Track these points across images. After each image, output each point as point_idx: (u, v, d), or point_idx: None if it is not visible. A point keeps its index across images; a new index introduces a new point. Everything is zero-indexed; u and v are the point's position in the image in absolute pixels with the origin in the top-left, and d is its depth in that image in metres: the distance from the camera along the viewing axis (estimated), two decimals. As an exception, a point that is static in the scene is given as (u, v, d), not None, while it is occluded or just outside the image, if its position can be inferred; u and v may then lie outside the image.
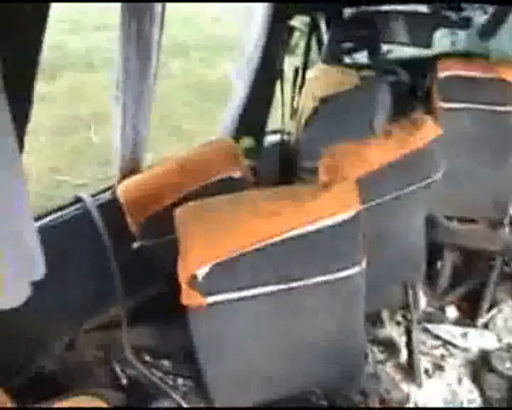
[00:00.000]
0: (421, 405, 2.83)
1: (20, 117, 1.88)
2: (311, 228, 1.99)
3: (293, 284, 2.03)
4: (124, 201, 2.58)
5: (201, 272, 1.94)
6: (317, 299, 2.10)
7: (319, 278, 2.05)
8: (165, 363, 2.57)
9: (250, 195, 2.21)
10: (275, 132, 3.66)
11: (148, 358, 2.59)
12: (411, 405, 2.83)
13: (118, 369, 2.58)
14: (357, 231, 2.08)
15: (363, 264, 2.10)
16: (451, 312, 3.45)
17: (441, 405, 2.85)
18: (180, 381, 2.52)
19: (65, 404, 1.93)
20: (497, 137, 3.49)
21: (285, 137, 3.59)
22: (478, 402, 2.91)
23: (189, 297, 1.96)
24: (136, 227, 2.56)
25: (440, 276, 3.51)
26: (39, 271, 2.12)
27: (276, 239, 1.97)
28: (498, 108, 3.45)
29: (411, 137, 2.54)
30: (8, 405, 2.03)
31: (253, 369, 2.21)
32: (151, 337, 2.70)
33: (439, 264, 3.53)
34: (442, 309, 3.46)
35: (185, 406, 2.36)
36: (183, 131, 6.27)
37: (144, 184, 2.61)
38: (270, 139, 3.63)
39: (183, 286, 1.97)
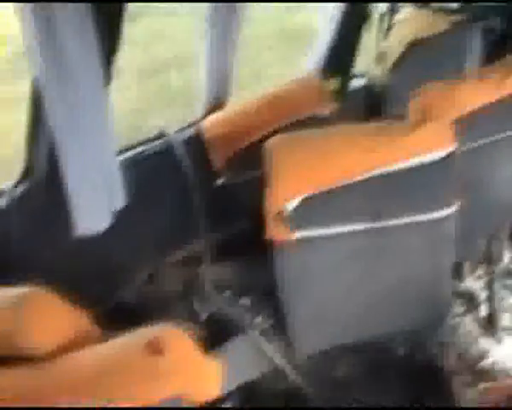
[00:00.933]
0: (499, 362, 2.76)
1: (109, 50, 1.89)
2: (404, 165, 1.93)
3: (384, 223, 1.98)
4: (209, 136, 2.56)
5: (290, 205, 1.91)
6: (407, 240, 2.04)
7: (410, 218, 1.99)
8: (245, 300, 2.58)
9: (343, 129, 2.15)
10: (360, 76, 3.57)
11: (228, 294, 2.60)
12: (489, 361, 2.76)
13: (197, 304, 2.60)
14: (451, 172, 2.00)
15: (456, 207, 2.03)
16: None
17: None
18: (259, 319, 2.52)
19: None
20: None
21: (371, 80, 3.50)
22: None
23: (276, 232, 1.94)
24: (221, 163, 2.55)
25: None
26: (119, 201, 2.15)
27: (369, 175, 1.92)
28: None
29: (507, 80, 2.42)
30: (92, 330, 2.08)
31: (336, 310, 2.18)
32: (232, 274, 2.70)
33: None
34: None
35: (263, 342, 2.36)
36: (265, 75, 6.18)
37: (230, 119, 2.59)
38: (356, 83, 3.54)
39: (270, 219, 1.95)
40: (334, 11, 3.26)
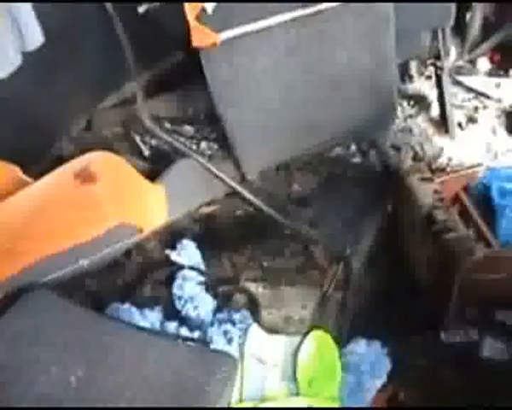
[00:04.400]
0: (454, 158, 2.74)
1: None
2: None
3: (315, 8, 1.83)
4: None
5: (210, 5, 1.75)
6: (342, 24, 1.91)
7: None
8: (188, 128, 2.47)
9: None
10: None
11: (169, 126, 2.49)
12: (444, 158, 2.74)
13: (139, 140, 2.49)
14: None
15: None
16: (483, 63, 3.28)
17: (475, 156, 2.76)
18: (204, 144, 2.43)
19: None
20: None
21: None
22: (513, 151, 2.82)
23: (200, 37, 1.79)
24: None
25: (470, 26, 3.29)
26: (34, 41, 1.98)
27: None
28: None
29: None
30: (23, 178, 1.98)
31: (278, 117, 2.07)
32: (172, 106, 2.58)
33: (468, 14, 3.30)
34: (474, 61, 3.28)
35: (209, 167, 2.27)
36: None
37: None
38: None
39: (192, 25, 1.79)
40: None
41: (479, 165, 2.65)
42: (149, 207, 2.03)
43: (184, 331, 1.98)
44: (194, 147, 2.39)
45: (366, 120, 2.17)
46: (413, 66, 3.03)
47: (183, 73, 2.32)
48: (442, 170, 2.62)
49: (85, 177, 1.78)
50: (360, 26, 1.94)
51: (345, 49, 1.97)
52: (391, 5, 1.94)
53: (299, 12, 1.82)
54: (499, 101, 3.03)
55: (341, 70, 2.00)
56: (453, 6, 2.68)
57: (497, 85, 3.09)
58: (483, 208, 2.38)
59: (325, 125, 2.13)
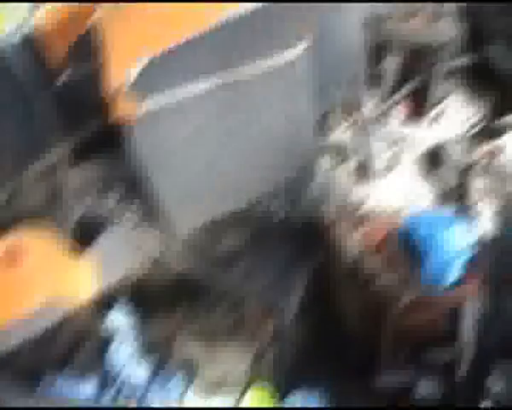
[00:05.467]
0: (377, 205, 2.82)
1: None
2: (243, 9, 1.82)
3: (235, 75, 1.88)
4: (39, 33, 2.35)
5: (131, 75, 1.78)
6: (261, 89, 1.96)
7: (260, 64, 1.90)
8: (113, 196, 2.47)
9: None
10: None
11: (95, 193, 2.48)
12: (368, 206, 2.82)
13: (64, 210, 2.48)
14: (292, 11, 1.92)
15: (304, 46, 1.95)
16: (399, 111, 3.40)
17: (397, 202, 2.85)
18: (130, 212, 2.44)
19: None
20: None
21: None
22: (433, 195, 2.93)
23: (122, 108, 1.81)
24: (58, 60, 2.36)
25: (385, 76, 3.42)
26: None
27: (210, 27, 1.80)
28: None
29: None
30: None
31: (204, 178, 2.10)
32: (96, 173, 2.58)
33: (383, 64, 3.43)
34: (390, 109, 3.40)
35: (136, 235, 2.29)
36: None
37: (61, 9, 2.38)
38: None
39: (113, 98, 1.81)
40: None
41: (401, 210, 2.75)
42: (79, 279, 2.02)
43: (121, 399, 1.96)
44: (120, 213, 2.39)
45: (288, 177, 2.23)
46: (332, 117, 3.12)
47: (106, 139, 2.33)
48: (366, 218, 2.69)
49: (10, 260, 1.76)
50: (278, 90, 2.00)
51: (264, 113, 2.03)
52: (308, 69, 2.01)
53: (219, 80, 1.87)
54: (416, 147, 3.14)
55: (262, 132, 2.05)
56: (366, 62, 2.79)
57: (413, 132, 3.21)
58: (408, 253, 2.45)
59: (250, 185, 2.17)
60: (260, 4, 1.81)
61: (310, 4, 1.99)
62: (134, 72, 1.75)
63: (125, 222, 2.32)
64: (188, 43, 1.77)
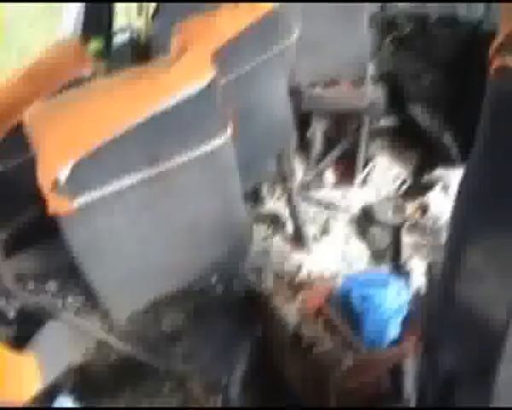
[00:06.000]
0: (313, 271, 2.89)
1: None
2: (169, 102, 1.89)
3: (162, 166, 1.94)
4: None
5: (63, 174, 1.81)
6: (190, 178, 2.02)
7: (187, 155, 1.96)
8: (52, 285, 2.47)
9: (103, 83, 2.06)
10: (123, 31, 3.49)
11: (32, 285, 2.47)
12: (304, 272, 2.88)
13: (2, 303, 2.45)
14: (215, 100, 1.99)
15: (228, 133, 2.03)
16: (329, 176, 3.52)
17: (332, 266, 2.93)
18: (70, 299, 2.43)
19: None
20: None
21: (134, 34, 3.45)
22: (367, 256, 3.02)
23: (56, 205, 1.84)
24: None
25: (312, 143, 3.55)
26: None
27: (137, 121, 1.86)
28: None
29: (259, 2, 2.46)
30: None
31: (140, 265, 2.13)
32: (33, 263, 2.57)
33: (309, 132, 3.56)
34: (319, 175, 3.52)
35: (78, 323, 2.29)
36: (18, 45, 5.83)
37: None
38: (121, 38, 3.47)
39: (47, 194, 1.84)
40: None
41: (337, 275, 2.83)
42: (20, 378, 1.99)
43: None
44: (60, 302, 2.39)
45: (224, 255, 2.28)
46: (264, 188, 3.21)
47: (42, 227, 2.33)
48: (303, 285, 2.75)
49: None
50: (206, 176, 2.07)
51: (194, 198, 2.08)
52: (232, 156, 2.08)
53: (148, 172, 1.92)
54: (348, 210, 3.24)
55: (194, 217, 2.10)
56: (294, 131, 2.89)
57: (344, 196, 3.32)
58: (346, 316, 2.51)
59: (185, 267, 2.21)
60: (186, 96, 1.88)
61: (233, 94, 2.08)
62: (65, 171, 1.79)
63: (66, 311, 2.31)
64: (116, 139, 1.82)
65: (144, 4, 3.43)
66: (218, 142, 2.01)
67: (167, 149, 1.95)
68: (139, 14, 3.50)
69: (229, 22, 2.38)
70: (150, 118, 1.87)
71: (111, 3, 3.30)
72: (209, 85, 1.94)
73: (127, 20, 3.43)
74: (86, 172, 1.83)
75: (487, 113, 1.70)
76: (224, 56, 2.28)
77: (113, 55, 3.14)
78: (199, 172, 2.04)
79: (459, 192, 1.85)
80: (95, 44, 3.03)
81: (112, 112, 1.87)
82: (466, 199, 1.81)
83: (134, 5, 3.54)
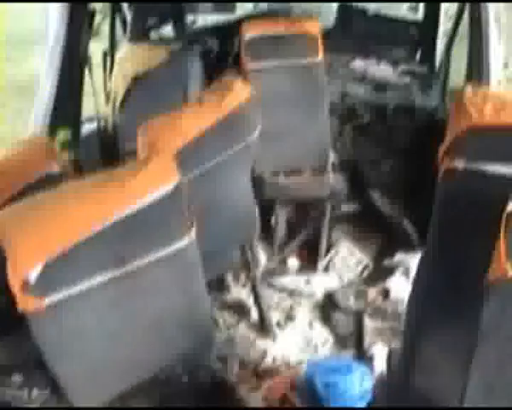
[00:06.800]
0: (278, 357, 2.92)
1: None
2: (136, 207, 1.96)
3: (129, 267, 1.99)
4: None
5: (33, 275, 1.86)
6: (155, 277, 2.08)
7: (153, 256, 2.03)
8: (17, 378, 2.46)
9: (71, 186, 2.13)
10: (91, 120, 3.58)
11: (-1, 377, 2.47)
12: (269, 359, 2.92)
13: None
14: (179, 204, 2.07)
15: (192, 234, 2.10)
16: (292, 262, 3.59)
17: (297, 353, 2.96)
18: (35, 392, 2.43)
19: None
20: (307, 89, 3.63)
21: (102, 123, 3.53)
22: (331, 342, 3.07)
23: (26, 303, 1.88)
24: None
25: (276, 230, 3.63)
26: None
27: (105, 225, 1.92)
28: (302, 61, 3.59)
29: (223, 101, 2.57)
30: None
31: (108, 360, 2.16)
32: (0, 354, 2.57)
33: (273, 219, 3.65)
34: (283, 262, 3.59)
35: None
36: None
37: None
38: (88, 128, 3.54)
39: (17, 294, 1.88)
40: (52, 59, 3.22)
41: (301, 361, 2.86)
42: None
43: None
44: (26, 394, 2.38)
45: (189, 346, 2.32)
46: (228, 277, 3.26)
47: (8, 319, 2.34)
48: (268, 373, 2.78)
49: None
50: (171, 275, 2.13)
51: (160, 295, 2.13)
52: (196, 255, 2.16)
53: (115, 272, 1.98)
54: (311, 296, 3.31)
55: (160, 312, 2.15)
56: (257, 221, 2.97)
57: (308, 281, 3.38)
58: (311, 402, 2.54)
59: (152, 359, 2.24)
60: (152, 201, 1.96)
61: (196, 193, 2.16)
62: (35, 271, 1.84)
63: (32, 403, 2.31)
64: (84, 240, 1.88)
65: (112, 93, 3.52)
66: (182, 243, 2.08)
67: (133, 250, 2.02)
68: (107, 102, 3.60)
69: (194, 121, 2.48)
70: (117, 221, 1.94)
71: (79, 93, 3.38)
72: (174, 191, 2.03)
73: (95, 109, 3.51)
74: (55, 273, 1.88)
75: (437, 211, 1.82)
76: (190, 154, 2.38)
77: (80, 146, 3.20)
78: (164, 271, 2.10)
79: (413, 287, 1.95)
80: (62, 135, 3.09)
81: (81, 215, 1.93)
82: (419, 293, 1.91)
83: (102, 95, 3.65)
